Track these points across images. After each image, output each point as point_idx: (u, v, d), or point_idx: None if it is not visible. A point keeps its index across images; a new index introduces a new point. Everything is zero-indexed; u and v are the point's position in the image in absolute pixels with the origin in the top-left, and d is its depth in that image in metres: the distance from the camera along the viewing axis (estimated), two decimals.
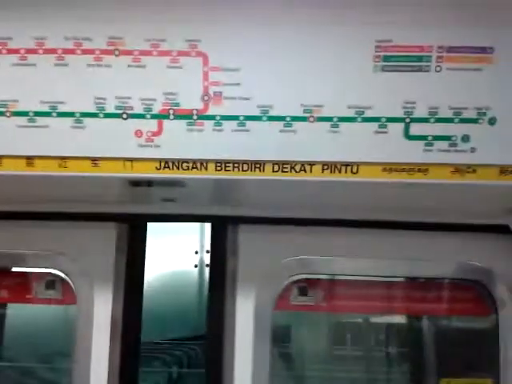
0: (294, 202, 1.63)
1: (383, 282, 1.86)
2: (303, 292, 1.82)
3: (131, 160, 1.36)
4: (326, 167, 1.35)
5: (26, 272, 1.84)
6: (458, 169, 1.32)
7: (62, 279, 1.78)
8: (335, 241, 1.73)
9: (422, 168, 1.33)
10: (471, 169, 1.32)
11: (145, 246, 1.77)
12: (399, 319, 1.97)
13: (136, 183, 1.45)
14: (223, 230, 1.75)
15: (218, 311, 1.72)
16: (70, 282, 1.75)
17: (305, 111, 1.30)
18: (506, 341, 1.70)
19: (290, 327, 1.99)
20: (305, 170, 1.36)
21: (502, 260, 1.72)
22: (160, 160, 1.36)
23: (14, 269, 1.85)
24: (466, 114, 1.27)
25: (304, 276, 1.80)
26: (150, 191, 1.54)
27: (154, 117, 1.32)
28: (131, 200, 1.67)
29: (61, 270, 1.76)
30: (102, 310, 1.72)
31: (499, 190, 1.37)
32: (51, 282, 1.81)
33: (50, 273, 1.79)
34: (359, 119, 1.30)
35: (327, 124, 1.31)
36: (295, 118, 1.31)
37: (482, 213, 1.68)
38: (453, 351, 1.97)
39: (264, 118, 1.31)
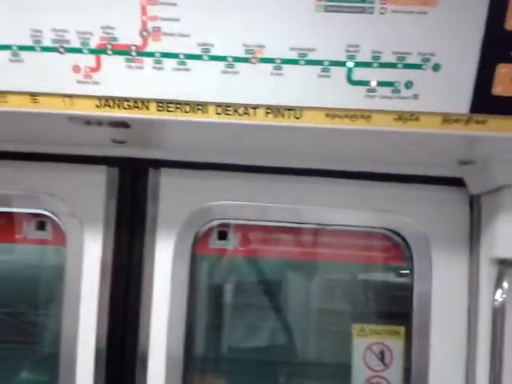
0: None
1: (303, 228, 1.88)
2: (222, 236, 1.85)
3: (70, 96, 1.34)
4: (269, 111, 1.33)
5: (15, 212, 1.85)
6: (401, 116, 1.29)
7: (52, 220, 1.79)
8: (257, 187, 1.75)
9: (365, 114, 1.30)
10: (414, 116, 1.29)
11: (136, 189, 1.77)
12: (317, 265, 2.00)
13: (88, 122, 1.43)
14: (144, 174, 1.76)
15: (138, 255, 1.75)
16: (59, 223, 1.77)
17: (246, 51, 1.27)
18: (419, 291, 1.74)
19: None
20: (248, 114, 1.33)
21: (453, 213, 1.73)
22: (100, 98, 1.33)
23: (3, 209, 1.85)
24: (409, 60, 1.24)
25: (224, 221, 1.83)
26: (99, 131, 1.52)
27: (91, 52, 1.28)
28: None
29: (50, 211, 1.77)
30: (92, 251, 1.73)
31: (443, 140, 1.36)
32: (41, 222, 1.83)
33: (40, 214, 1.80)
34: (302, 62, 1.27)
35: (270, 66, 1.28)
36: (237, 59, 1.27)
37: (436, 165, 1.68)
38: (368, 299, 2.01)
39: (205, 57, 1.27)
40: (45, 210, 1.78)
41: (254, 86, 1.30)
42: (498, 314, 1.51)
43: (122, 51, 1.28)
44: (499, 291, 1.52)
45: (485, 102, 1.26)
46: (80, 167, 1.75)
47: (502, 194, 1.52)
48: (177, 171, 1.76)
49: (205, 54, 1.27)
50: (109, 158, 1.75)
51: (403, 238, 1.77)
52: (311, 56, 1.26)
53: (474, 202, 1.72)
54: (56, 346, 1.74)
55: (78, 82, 1.31)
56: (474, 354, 1.68)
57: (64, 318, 1.74)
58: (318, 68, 1.27)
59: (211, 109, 1.33)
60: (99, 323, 1.73)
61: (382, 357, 1.83)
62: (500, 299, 1.51)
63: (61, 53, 1.29)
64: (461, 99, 1.26)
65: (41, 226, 1.83)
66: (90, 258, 1.74)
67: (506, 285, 1.52)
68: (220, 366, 2.01)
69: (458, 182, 1.70)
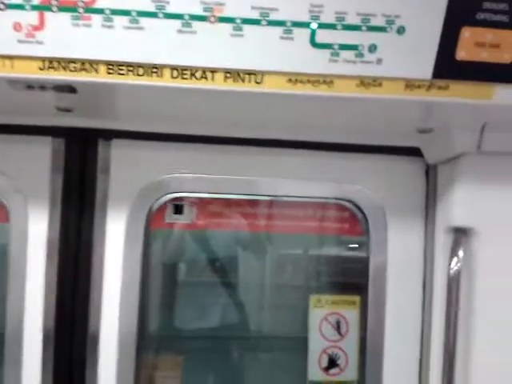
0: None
1: (261, 200, 1.85)
2: (178, 210, 1.79)
3: (11, 58, 1.22)
4: (228, 75, 1.26)
5: None
6: (364, 82, 1.26)
7: None
8: (213, 158, 1.69)
9: (327, 80, 1.25)
10: (377, 82, 1.26)
11: (84, 162, 1.66)
12: (275, 237, 1.98)
13: (29, 86, 1.31)
14: (94, 146, 1.65)
15: (88, 232, 1.66)
16: (1, 199, 1.64)
17: (205, 9, 1.19)
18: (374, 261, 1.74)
19: None
20: (206, 78, 1.26)
21: (409, 183, 1.73)
22: (43, 59, 1.22)
23: None
24: (374, 22, 1.20)
25: (179, 195, 1.76)
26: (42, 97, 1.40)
27: (34, 8, 1.17)
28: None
29: None
30: (37, 228, 1.63)
31: (405, 106, 1.33)
32: None
33: None
34: (264, 22, 1.20)
35: (229, 26, 1.21)
36: (194, 17, 1.19)
37: (393, 135, 1.67)
38: (324, 270, 2.01)
39: (160, 15, 1.19)
40: None
41: (213, 48, 1.23)
42: (453, 282, 1.52)
43: (68, 7, 1.17)
44: (455, 259, 1.53)
45: (448, 67, 1.24)
46: (22, 138, 1.63)
47: (459, 162, 1.53)
48: (129, 142, 1.66)
49: (159, 12, 1.19)
50: (54, 127, 1.63)
51: (359, 208, 1.76)
52: (273, 16, 1.20)
53: (430, 172, 1.73)
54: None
55: (20, 41, 1.20)
56: (429, 322, 1.70)
57: (9, 298, 1.63)
58: (280, 29, 1.21)
59: (166, 72, 1.25)
60: (46, 303, 1.64)
61: (337, 327, 1.83)
62: (455, 267, 1.52)
63: (0, 9, 1.17)
64: (424, 64, 1.24)
65: None
66: (35, 236, 1.63)
67: (461, 253, 1.53)
68: (178, 344, 1.96)
69: (414, 152, 1.70)
